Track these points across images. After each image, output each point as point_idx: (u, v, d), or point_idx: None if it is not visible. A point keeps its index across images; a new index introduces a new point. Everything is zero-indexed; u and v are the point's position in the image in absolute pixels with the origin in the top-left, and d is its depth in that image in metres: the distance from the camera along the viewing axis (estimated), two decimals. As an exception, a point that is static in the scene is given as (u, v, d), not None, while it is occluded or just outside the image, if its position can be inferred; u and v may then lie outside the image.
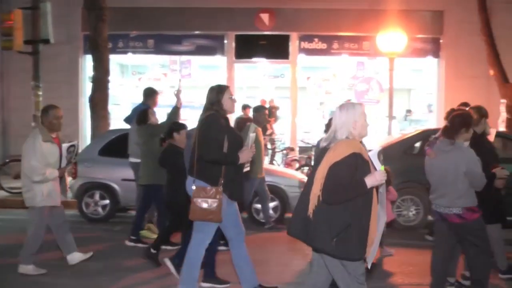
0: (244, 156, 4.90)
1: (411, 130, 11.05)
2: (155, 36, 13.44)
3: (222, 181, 4.78)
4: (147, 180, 7.04)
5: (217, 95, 4.91)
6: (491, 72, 11.37)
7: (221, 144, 4.78)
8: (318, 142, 5.70)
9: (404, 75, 14.45)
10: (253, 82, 14.92)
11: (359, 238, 3.61)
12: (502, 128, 10.96)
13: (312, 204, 3.65)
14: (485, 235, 4.86)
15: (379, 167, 3.70)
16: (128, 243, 7.09)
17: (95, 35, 10.65)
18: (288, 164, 12.12)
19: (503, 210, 5.62)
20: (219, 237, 5.49)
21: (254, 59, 13.68)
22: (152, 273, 5.96)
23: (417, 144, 9.05)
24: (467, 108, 6.05)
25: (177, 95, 7.30)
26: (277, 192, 8.47)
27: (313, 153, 11.96)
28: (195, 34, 13.46)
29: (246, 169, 5.21)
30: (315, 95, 14.33)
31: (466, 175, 4.73)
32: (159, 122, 7.30)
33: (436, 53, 13.35)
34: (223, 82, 13.48)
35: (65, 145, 5.85)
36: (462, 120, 4.92)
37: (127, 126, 8.18)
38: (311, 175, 3.82)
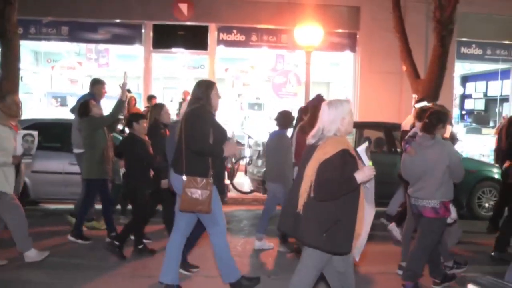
0: (229, 149, 5.05)
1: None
2: (69, 23, 13.14)
3: (211, 173, 4.94)
4: (89, 174, 6.94)
5: (206, 91, 5.02)
6: (404, 67, 11.99)
7: (207, 135, 4.88)
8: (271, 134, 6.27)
9: (323, 69, 14.99)
10: (172, 72, 14.92)
11: (347, 232, 3.77)
12: (413, 122, 11.65)
13: (302, 200, 3.77)
14: (439, 235, 5.40)
15: (368, 162, 3.87)
16: (69, 237, 7.01)
17: (3, 20, 10.25)
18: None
19: None
20: None
21: (172, 50, 13.69)
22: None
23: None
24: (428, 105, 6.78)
25: (122, 87, 7.13)
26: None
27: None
28: (112, 23, 13.29)
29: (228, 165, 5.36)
30: (233, 87, 14.52)
31: (449, 167, 5.19)
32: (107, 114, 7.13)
33: (353, 48, 13.97)
34: (141, 72, 13.44)
35: (21, 132, 5.84)
36: (439, 117, 5.40)
37: (39, 116, 8.00)
38: (299, 172, 3.94)
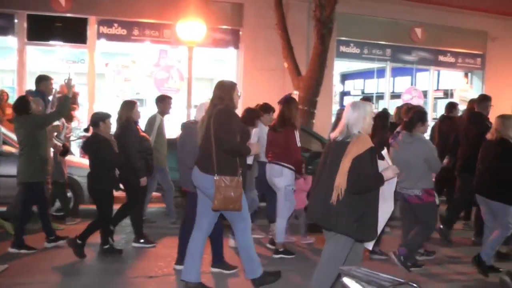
0: (254, 148, 5.55)
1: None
2: None
3: (240, 172, 5.29)
4: (30, 177, 6.74)
5: (229, 91, 5.36)
6: (286, 65, 12.68)
7: (236, 135, 5.26)
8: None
9: (206, 65, 15.36)
10: (49, 66, 14.56)
11: (373, 222, 4.44)
12: (295, 117, 12.38)
13: (336, 193, 4.34)
14: (434, 216, 6.44)
15: (390, 163, 4.65)
16: (10, 249, 6.79)
17: None
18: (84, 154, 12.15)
19: None
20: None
21: (49, 42, 13.41)
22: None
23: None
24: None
25: (68, 83, 7.01)
26: (70, 183, 8.57)
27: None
28: (-20, 11, 12.75)
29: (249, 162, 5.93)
30: (114, 82, 14.43)
31: (425, 161, 6.15)
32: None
33: (236, 45, 14.39)
34: (14, 65, 13.04)
35: None
36: (418, 116, 6.39)
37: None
38: (324, 166, 4.56)
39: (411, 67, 16.61)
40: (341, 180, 4.33)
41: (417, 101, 15.04)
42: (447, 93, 17.43)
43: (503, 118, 6.56)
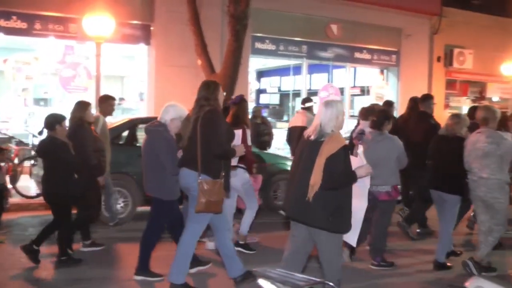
0: (239, 150, 5.74)
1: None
2: None
3: (223, 174, 5.48)
4: None
5: (214, 91, 5.51)
6: (199, 62, 12.54)
7: (225, 138, 5.49)
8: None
9: (116, 62, 14.98)
10: None
11: (347, 215, 4.77)
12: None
13: (312, 190, 4.61)
14: (392, 212, 7.18)
15: (365, 161, 4.92)
16: None
17: None
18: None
19: None
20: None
21: None
22: None
23: (124, 134, 9.59)
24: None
25: None
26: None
27: (12, 145, 11.68)
28: None
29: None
30: (14, 80, 13.76)
31: (398, 158, 6.77)
32: None
33: (147, 40, 14.10)
34: None
35: None
36: (385, 115, 7.01)
37: None
38: (298, 165, 4.83)
39: (327, 64, 16.91)
40: (316, 178, 4.61)
41: (333, 98, 15.27)
42: (363, 90, 17.89)
43: (457, 117, 7.15)
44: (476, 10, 18.71)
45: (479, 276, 3.12)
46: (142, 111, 14.43)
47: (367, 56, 17.26)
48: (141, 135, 8.38)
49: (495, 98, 20.63)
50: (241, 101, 7.35)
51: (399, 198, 7.85)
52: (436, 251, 7.04)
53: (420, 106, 8.76)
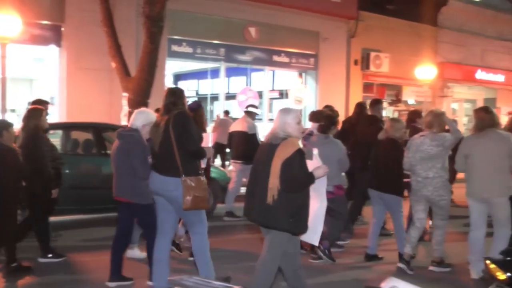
0: (208, 151, 6.20)
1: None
2: None
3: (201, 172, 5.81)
4: None
5: (181, 97, 5.83)
6: (113, 64, 12.33)
7: (197, 137, 5.78)
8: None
9: (25, 64, 14.52)
10: None
11: (305, 216, 5.05)
12: (124, 122, 12.08)
13: (271, 193, 4.90)
14: (345, 207, 7.92)
15: (321, 162, 5.24)
16: None
17: None
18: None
19: None
20: None
21: None
22: None
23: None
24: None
25: None
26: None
27: None
28: None
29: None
30: None
31: (338, 161, 7.34)
32: None
33: (58, 42, 13.76)
34: None
35: None
36: (331, 119, 7.61)
37: None
38: (257, 169, 5.12)
39: (245, 67, 17.09)
40: (274, 181, 4.90)
41: (252, 102, 15.46)
42: (282, 93, 18.19)
43: (393, 121, 7.81)
44: (391, 15, 19.52)
45: (394, 277, 3.28)
46: (54, 116, 14.02)
47: (285, 59, 17.59)
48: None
49: (411, 101, 21.56)
50: (198, 108, 7.69)
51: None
52: (397, 245, 7.62)
53: (370, 110, 9.41)
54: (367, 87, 19.91)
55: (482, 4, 22.49)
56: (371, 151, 7.98)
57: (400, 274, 6.96)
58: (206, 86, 18.03)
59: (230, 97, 16.91)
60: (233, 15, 15.91)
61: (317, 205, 5.24)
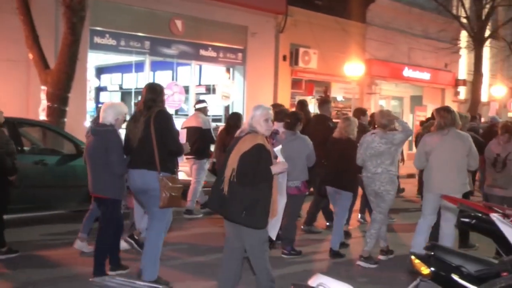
0: (186, 147, 6.51)
1: None
2: None
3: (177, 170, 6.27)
4: None
5: (160, 94, 6.22)
6: (31, 56, 11.97)
7: (177, 136, 6.24)
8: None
9: None
10: None
11: (263, 211, 5.27)
12: (43, 116, 11.79)
13: (226, 184, 5.24)
14: (300, 207, 8.82)
15: (282, 159, 5.56)
16: None
17: None
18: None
19: None
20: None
21: None
22: None
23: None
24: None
25: None
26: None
27: None
28: None
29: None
30: None
31: (307, 156, 8.01)
32: None
33: (-32, 31, 13.18)
34: None
35: None
36: (297, 116, 8.25)
37: None
38: (226, 160, 5.39)
39: (171, 61, 16.95)
40: (229, 172, 5.26)
41: (178, 97, 15.39)
42: (209, 89, 18.16)
43: (348, 120, 8.49)
44: (320, 11, 19.85)
45: (321, 274, 3.38)
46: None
47: (212, 53, 17.55)
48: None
49: (339, 98, 22.01)
50: None
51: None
52: (331, 241, 8.31)
53: (319, 109, 10.18)
54: (296, 83, 20.17)
55: (409, 2, 23.25)
56: (321, 149, 8.54)
57: (334, 270, 7.50)
58: (130, 80, 17.74)
59: (155, 92, 16.70)
60: (158, 7, 15.72)
61: (277, 202, 5.53)
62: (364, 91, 22.16)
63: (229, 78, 18.51)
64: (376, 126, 8.33)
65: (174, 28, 16.35)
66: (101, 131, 6.40)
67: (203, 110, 11.37)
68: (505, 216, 5.10)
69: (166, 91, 15.45)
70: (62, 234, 9.14)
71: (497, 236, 5.15)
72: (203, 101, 11.82)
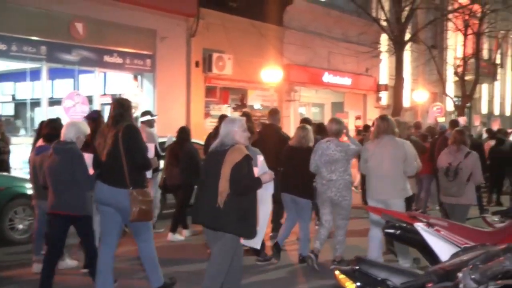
0: (154, 162, 7.06)
1: None
2: None
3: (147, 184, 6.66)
4: None
5: (128, 109, 6.67)
6: None
7: (146, 150, 6.64)
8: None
9: None
10: None
11: (253, 220, 5.82)
12: None
13: (222, 196, 5.66)
14: None
15: (267, 169, 6.22)
16: None
17: None
18: None
19: None
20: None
21: None
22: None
23: None
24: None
25: None
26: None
27: None
28: None
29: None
30: None
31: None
32: None
33: None
34: None
35: None
36: (251, 130, 7.78)
37: None
38: (207, 174, 5.91)
39: (72, 68, 16.22)
40: (224, 185, 5.67)
41: (81, 108, 14.75)
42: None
43: (306, 129, 9.11)
44: (234, 13, 19.65)
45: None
46: None
47: (118, 60, 16.93)
48: None
49: (257, 106, 21.90)
50: (98, 117, 8.73)
51: None
52: (299, 248, 9.13)
53: (268, 119, 11.05)
54: (210, 91, 19.87)
55: (327, 4, 23.53)
56: (272, 158, 8.61)
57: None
58: (24, 90, 16.83)
59: (54, 102, 15.91)
60: (56, 8, 15.01)
61: (262, 210, 6.03)
62: (283, 98, 22.10)
63: (137, 86, 17.97)
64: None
65: (74, 31, 15.64)
66: (64, 149, 6.85)
67: (149, 123, 11.35)
68: (430, 225, 5.56)
69: (66, 102, 15.09)
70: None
71: (422, 246, 5.62)
72: (148, 112, 11.75)
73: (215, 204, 5.70)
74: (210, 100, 19.87)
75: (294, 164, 8.94)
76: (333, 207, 8.69)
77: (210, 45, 19.15)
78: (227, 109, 20.10)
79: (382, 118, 8.46)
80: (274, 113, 11.13)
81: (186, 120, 17.94)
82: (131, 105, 6.83)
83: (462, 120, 17.90)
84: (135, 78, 18.08)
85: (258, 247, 6.58)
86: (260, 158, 6.44)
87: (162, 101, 17.63)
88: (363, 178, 10.30)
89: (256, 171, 6.03)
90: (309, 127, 9.38)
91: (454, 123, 14.26)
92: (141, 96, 17.34)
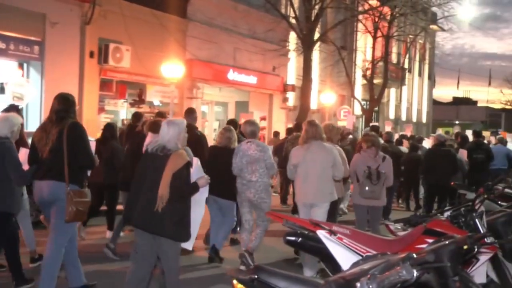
0: (95, 160, 7.26)
1: None
2: None
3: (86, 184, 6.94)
4: None
5: (73, 105, 6.90)
6: None
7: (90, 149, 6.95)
8: None
9: None
10: None
11: (188, 225, 6.15)
12: None
13: (161, 201, 5.92)
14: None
15: (203, 173, 6.62)
16: None
17: None
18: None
19: None
20: None
21: None
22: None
23: None
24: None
25: None
26: None
27: None
28: None
29: None
30: None
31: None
32: None
33: None
34: None
35: None
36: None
37: None
38: (144, 177, 6.16)
39: None
40: (163, 190, 5.93)
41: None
42: (-2, 88, 16.64)
43: (229, 130, 9.71)
44: (134, 1, 19.03)
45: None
46: None
47: (1, 45, 16.02)
48: None
49: (156, 102, 21.39)
50: (17, 112, 9.01)
51: None
52: (211, 237, 9.71)
53: (186, 118, 10.45)
54: (106, 84, 19.20)
55: (235, -4, 23.29)
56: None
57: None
58: None
59: None
60: None
61: (195, 213, 6.35)
62: (185, 95, 21.67)
63: (23, 75, 17.03)
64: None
65: None
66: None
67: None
68: (332, 233, 5.66)
69: None
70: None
71: (324, 254, 5.69)
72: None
73: (152, 208, 5.98)
74: (105, 94, 19.22)
75: (218, 165, 9.32)
76: (253, 208, 9.26)
77: (106, 35, 18.45)
78: (123, 105, 19.47)
79: (311, 123, 8.81)
80: (190, 112, 11.38)
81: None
82: (75, 100, 7.06)
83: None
84: (20, 66, 17.18)
85: (190, 248, 7.00)
86: (196, 161, 6.75)
87: (51, 93, 16.46)
88: (286, 181, 11.10)
89: (191, 172, 6.32)
90: (233, 128, 10.00)
91: (374, 128, 14.77)
92: (26, 86, 16.38)
